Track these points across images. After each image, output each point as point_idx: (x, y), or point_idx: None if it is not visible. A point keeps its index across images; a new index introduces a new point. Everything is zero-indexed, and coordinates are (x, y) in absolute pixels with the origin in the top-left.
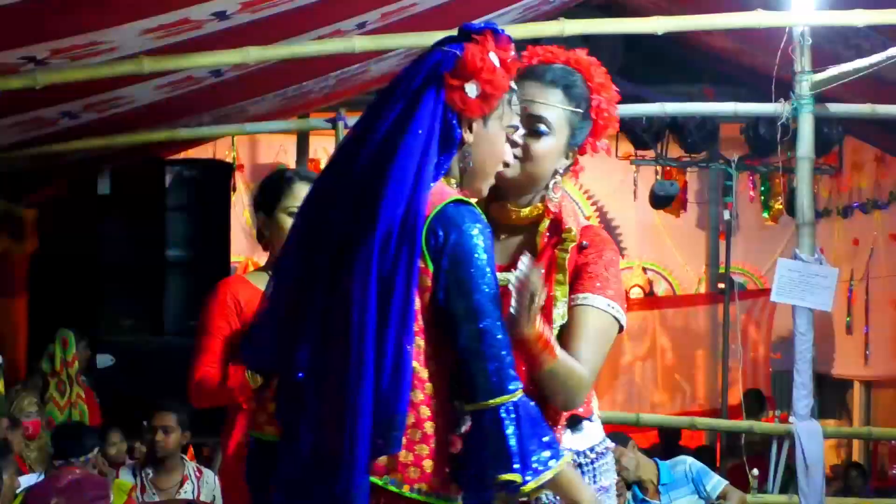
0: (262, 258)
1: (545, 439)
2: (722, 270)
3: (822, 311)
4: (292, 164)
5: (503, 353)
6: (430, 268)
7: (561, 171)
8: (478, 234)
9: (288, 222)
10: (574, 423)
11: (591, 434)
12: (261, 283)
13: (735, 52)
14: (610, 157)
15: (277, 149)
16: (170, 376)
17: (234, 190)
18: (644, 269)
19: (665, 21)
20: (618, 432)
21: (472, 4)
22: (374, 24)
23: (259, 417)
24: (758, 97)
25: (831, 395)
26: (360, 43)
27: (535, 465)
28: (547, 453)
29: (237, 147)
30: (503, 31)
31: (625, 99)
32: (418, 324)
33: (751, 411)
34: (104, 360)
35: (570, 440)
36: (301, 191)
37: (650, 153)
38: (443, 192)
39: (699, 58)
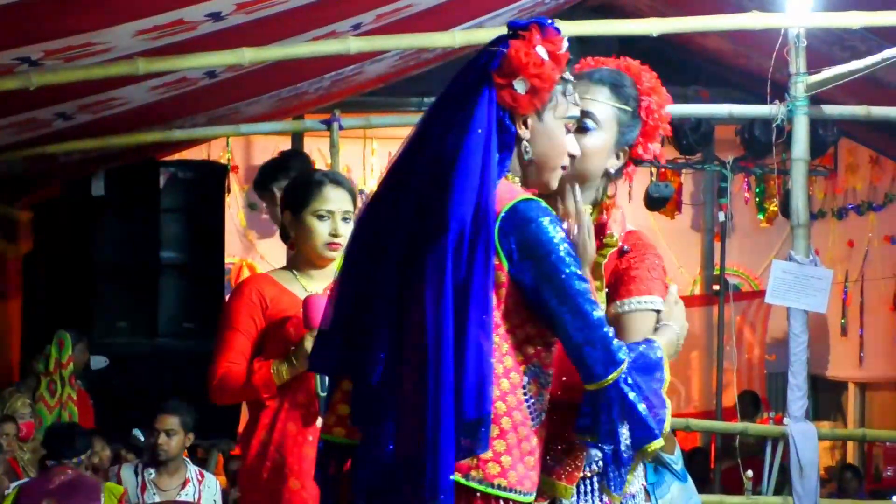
0: (257, 260)
1: (656, 386)
2: (717, 272)
3: (816, 313)
4: None
5: (603, 329)
6: (505, 265)
7: (612, 171)
8: (550, 224)
9: (315, 224)
10: None
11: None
12: (286, 281)
13: (730, 53)
14: None
15: (272, 150)
16: (164, 379)
17: (229, 191)
18: None
19: (660, 23)
20: None
21: (468, 6)
22: (369, 25)
23: (328, 420)
24: (753, 99)
25: (826, 397)
26: (356, 44)
27: (659, 417)
28: (664, 406)
29: (232, 148)
30: (551, 23)
31: None
32: (493, 321)
33: (745, 413)
34: (98, 361)
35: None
36: (330, 193)
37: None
38: (511, 189)
39: (694, 59)
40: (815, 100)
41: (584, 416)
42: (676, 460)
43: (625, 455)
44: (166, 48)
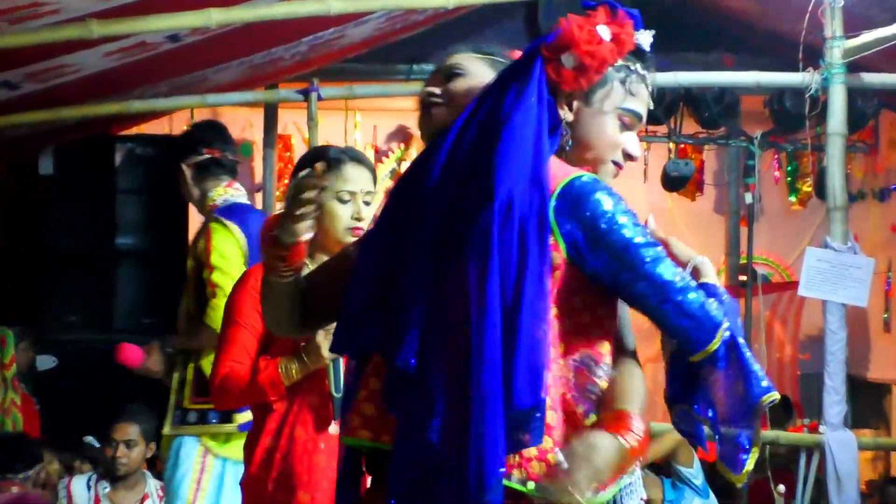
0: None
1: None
2: (743, 261)
3: (856, 307)
4: (259, 141)
5: (691, 292)
6: (563, 247)
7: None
8: (610, 196)
9: (336, 208)
10: None
11: None
12: None
13: (758, 15)
14: None
15: (243, 123)
16: (121, 381)
17: None
18: None
19: None
20: None
21: None
22: None
23: (352, 421)
24: (783, 66)
25: (867, 402)
26: (337, 4)
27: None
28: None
29: (197, 121)
30: (628, 9)
31: None
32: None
33: (776, 420)
34: (45, 361)
35: None
36: (351, 172)
37: (662, 129)
38: (564, 167)
39: (717, 22)
40: (854, 67)
41: (681, 387)
42: (696, 474)
43: (744, 422)
44: (123, 9)
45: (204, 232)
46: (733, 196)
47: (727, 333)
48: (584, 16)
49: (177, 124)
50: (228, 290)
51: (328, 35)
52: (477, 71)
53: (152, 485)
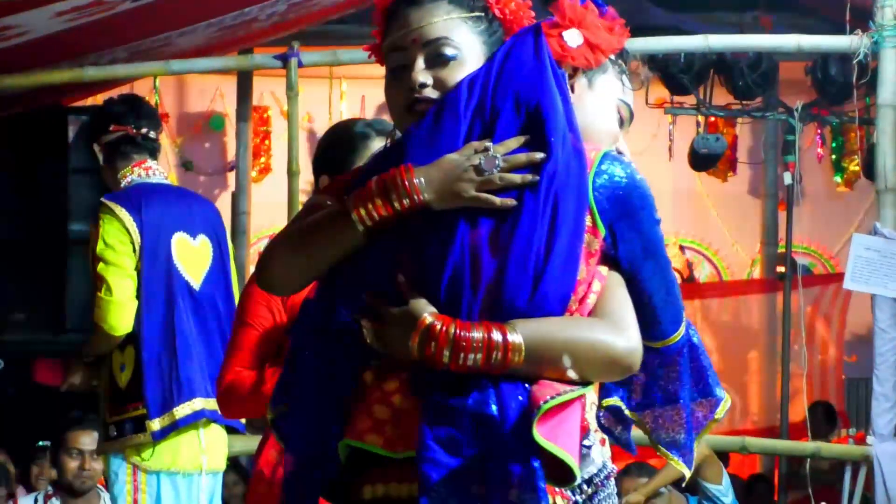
0: None
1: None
2: (782, 249)
3: None
4: (231, 113)
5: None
6: (602, 230)
7: None
8: (636, 172)
9: None
10: None
11: (592, 457)
12: None
13: None
14: (639, 105)
15: (213, 93)
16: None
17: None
18: (681, 248)
19: None
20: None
21: None
22: None
23: (360, 423)
24: (827, 28)
25: None
26: None
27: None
28: None
29: (160, 91)
30: (608, 6)
31: (658, 30)
32: (575, 293)
33: (818, 430)
34: None
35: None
36: (378, 147)
37: (690, 99)
38: (589, 145)
39: None
40: None
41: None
42: (726, 492)
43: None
44: None
45: (92, 219)
46: (771, 176)
47: (686, 321)
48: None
49: (138, 94)
50: (114, 283)
51: None
52: (469, 51)
53: (106, 499)
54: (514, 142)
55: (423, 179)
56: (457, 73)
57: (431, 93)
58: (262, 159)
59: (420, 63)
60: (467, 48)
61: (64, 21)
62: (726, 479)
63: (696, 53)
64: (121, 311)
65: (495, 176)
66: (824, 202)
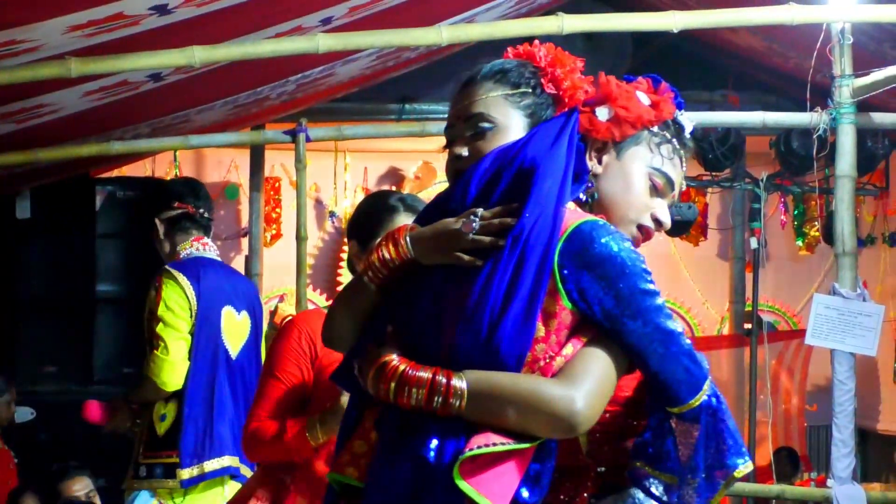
0: None
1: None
2: (748, 308)
3: (865, 356)
4: (245, 183)
5: (685, 343)
6: (562, 294)
7: None
8: (618, 239)
9: None
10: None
11: None
12: None
13: (764, 52)
14: None
15: (228, 165)
16: (101, 433)
17: None
18: None
19: (682, 16)
20: None
21: None
22: (340, 19)
23: (341, 457)
24: (790, 105)
25: (876, 454)
26: (325, 42)
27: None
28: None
29: (180, 164)
30: (672, 87)
31: None
32: (534, 353)
33: (782, 473)
34: (23, 413)
35: None
36: (405, 221)
37: None
38: (577, 212)
39: (721, 59)
40: (864, 106)
41: (657, 445)
42: None
43: (708, 485)
44: (103, 46)
45: (154, 283)
46: (738, 241)
47: (711, 388)
48: (624, 81)
49: (159, 166)
50: (171, 343)
51: (316, 73)
52: (506, 122)
53: None
54: (499, 209)
55: (410, 237)
56: (492, 143)
57: (468, 163)
58: (274, 226)
59: (460, 137)
60: (505, 121)
61: (92, 100)
62: None
63: None
64: (174, 369)
65: (468, 237)
66: (787, 265)
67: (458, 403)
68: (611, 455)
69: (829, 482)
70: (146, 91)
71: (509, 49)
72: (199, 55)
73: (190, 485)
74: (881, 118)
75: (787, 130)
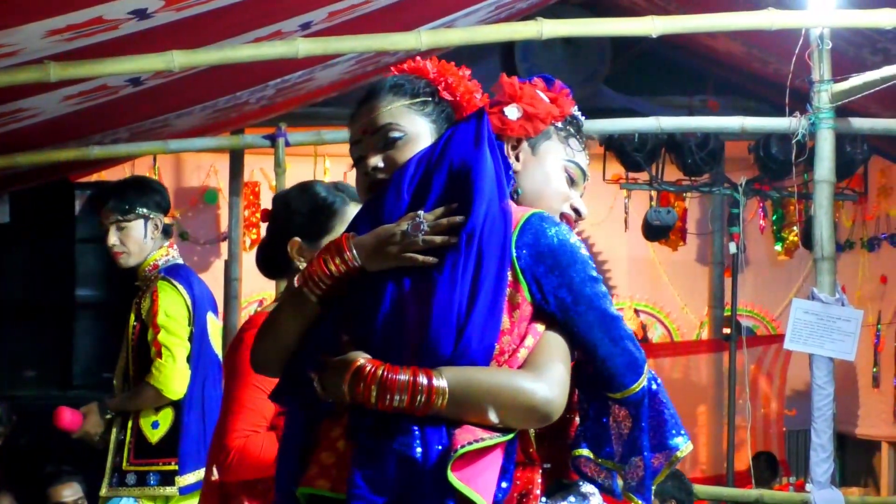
0: None
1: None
2: (727, 313)
3: (844, 361)
4: (224, 188)
5: (628, 329)
6: (523, 285)
7: None
8: (567, 232)
9: None
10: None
11: None
12: None
13: (743, 58)
14: (596, 181)
15: (207, 169)
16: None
17: None
18: (636, 311)
19: (661, 21)
20: None
21: (434, 1)
22: (320, 24)
23: (310, 471)
24: (769, 111)
25: (855, 459)
26: (304, 46)
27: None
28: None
29: (159, 168)
30: (556, 80)
31: (614, 112)
32: (500, 345)
33: (761, 478)
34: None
35: None
36: (353, 211)
37: (643, 176)
38: (520, 208)
39: (701, 65)
40: (842, 111)
41: (598, 431)
42: None
43: (649, 471)
44: (83, 51)
45: (149, 291)
46: (717, 245)
47: (649, 372)
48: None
49: (138, 171)
50: (176, 351)
51: (296, 78)
52: (414, 129)
53: None
54: (442, 210)
55: (355, 244)
56: (406, 152)
57: (384, 174)
58: (254, 230)
59: (372, 149)
60: (413, 129)
61: (72, 104)
62: None
63: (649, 134)
64: (182, 377)
65: (419, 239)
66: (766, 269)
67: (440, 402)
68: (553, 451)
69: (808, 487)
70: (125, 95)
71: (393, 68)
72: (178, 60)
73: (188, 492)
74: (860, 123)
75: (767, 135)
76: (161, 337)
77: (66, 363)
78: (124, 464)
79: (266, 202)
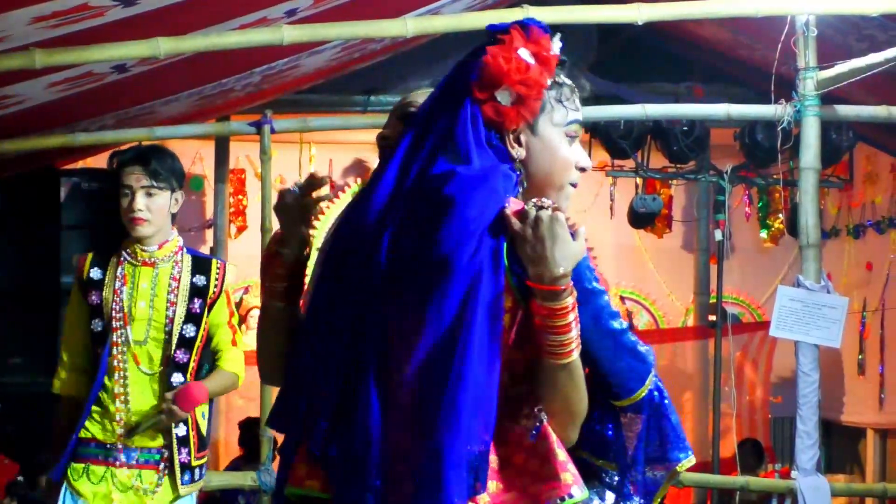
0: None
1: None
2: (713, 300)
3: (829, 348)
4: (210, 175)
5: (630, 336)
6: (514, 288)
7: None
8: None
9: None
10: None
11: None
12: None
13: (729, 44)
14: None
15: (193, 156)
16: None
17: None
18: (622, 298)
19: (647, 9)
20: None
21: None
22: (305, 10)
23: (298, 470)
24: (755, 98)
25: (840, 446)
26: (290, 33)
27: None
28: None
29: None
30: (537, 21)
31: (600, 99)
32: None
33: (747, 465)
34: None
35: None
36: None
37: (629, 163)
38: (519, 204)
39: (686, 52)
40: (828, 99)
41: (600, 436)
42: None
43: (650, 479)
44: (68, 37)
45: (216, 270)
46: (703, 233)
47: (654, 382)
48: (499, 44)
49: None
50: (239, 338)
51: (281, 65)
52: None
53: None
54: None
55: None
56: None
57: None
58: (240, 218)
59: None
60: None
61: (57, 91)
62: None
63: (635, 121)
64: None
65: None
66: (752, 256)
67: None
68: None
69: (794, 474)
70: (111, 82)
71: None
72: (164, 46)
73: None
74: (845, 110)
75: (752, 123)
76: (235, 320)
77: (53, 350)
78: (192, 460)
79: (252, 189)
